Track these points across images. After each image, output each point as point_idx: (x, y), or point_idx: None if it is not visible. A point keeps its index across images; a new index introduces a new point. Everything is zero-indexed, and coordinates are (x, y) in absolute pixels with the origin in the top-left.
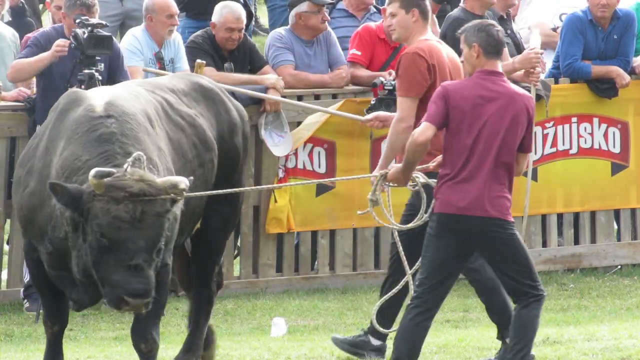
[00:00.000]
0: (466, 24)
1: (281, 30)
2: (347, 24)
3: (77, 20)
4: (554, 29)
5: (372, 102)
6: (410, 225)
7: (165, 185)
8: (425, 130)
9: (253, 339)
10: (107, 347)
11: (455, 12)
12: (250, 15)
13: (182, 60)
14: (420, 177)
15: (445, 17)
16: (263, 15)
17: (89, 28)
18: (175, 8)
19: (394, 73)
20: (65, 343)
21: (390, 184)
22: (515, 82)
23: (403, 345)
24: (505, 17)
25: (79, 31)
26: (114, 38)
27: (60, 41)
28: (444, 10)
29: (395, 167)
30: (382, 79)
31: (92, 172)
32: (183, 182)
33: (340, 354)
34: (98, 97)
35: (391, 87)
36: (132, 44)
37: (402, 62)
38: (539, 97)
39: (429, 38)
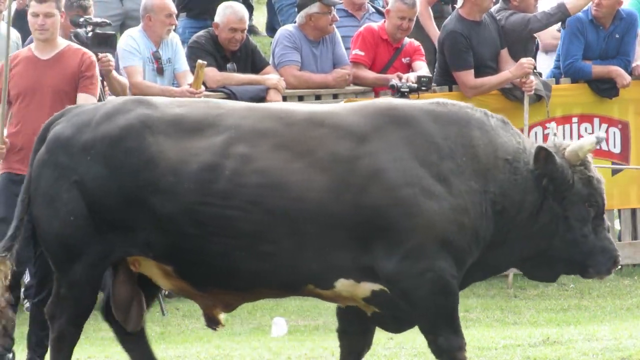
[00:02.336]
0: (463, 38)
1: (290, 28)
2: (346, 23)
3: (81, 19)
4: (559, 30)
5: None
6: None
7: None
8: None
9: (253, 339)
10: (107, 347)
11: (451, 22)
12: (250, 14)
13: (181, 61)
14: None
15: (442, 27)
16: (262, 15)
17: (91, 27)
18: (173, 7)
19: (403, 76)
20: None
21: None
22: (510, 88)
23: None
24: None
25: (81, 31)
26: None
27: None
28: (445, 11)
29: None
30: (395, 81)
31: (592, 138)
32: None
33: None
34: (414, 101)
35: (407, 90)
36: (130, 44)
37: (93, 63)
38: (539, 97)
39: None
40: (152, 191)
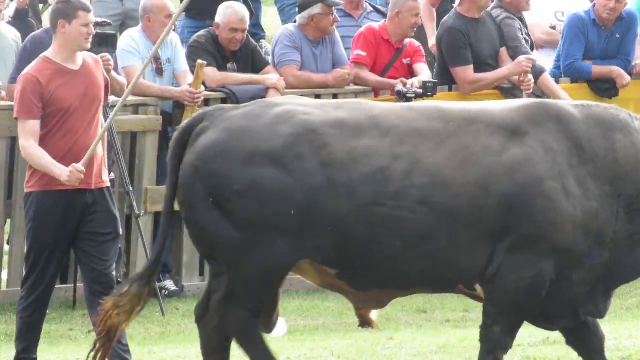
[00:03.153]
0: (462, 34)
1: (291, 27)
2: (345, 23)
3: None
4: (553, 27)
5: None
6: None
7: None
8: None
9: None
10: None
11: (450, 19)
12: (251, 14)
13: (180, 61)
14: None
15: (440, 24)
16: (265, 15)
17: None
18: (173, 8)
19: (408, 81)
20: (66, 343)
21: None
22: (509, 87)
23: None
24: (521, 18)
25: None
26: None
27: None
28: (445, 8)
29: None
30: (400, 87)
31: None
32: None
33: (341, 353)
34: (563, 101)
35: (413, 95)
36: (129, 45)
37: None
38: (538, 98)
39: None
40: (325, 194)
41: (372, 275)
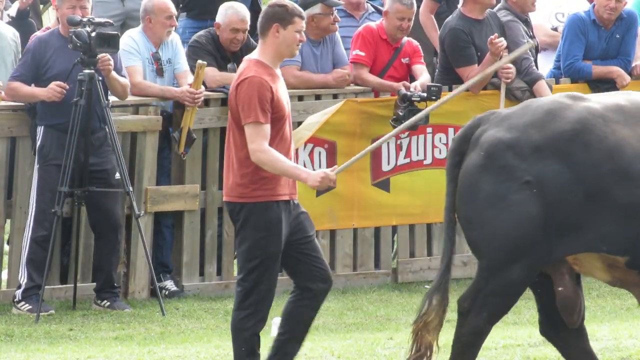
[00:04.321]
0: (464, 34)
1: None
2: (345, 24)
3: (85, 19)
4: (554, 29)
5: (401, 114)
6: None
7: None
8: None
9: None
10: (107, 347)
11: (453, 19)
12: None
13: (181, 61)
14: None
15: (443, 24)
16: None
17: (92, 27)
18: (174, 9)
19: (411, 85)
20: (65, 343)
21: None
22: (509, 88)
23: None
24: (528, 20)
25: (82, 30)
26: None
27: (58, 85)
28: (443, 10)
29: None
30: (404, 90)
31: None
32: None
33: (341, 353)
34: None
35: (418, 99)
36: (130, 45)
37: None
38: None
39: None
40: (617, 180)
41: None
